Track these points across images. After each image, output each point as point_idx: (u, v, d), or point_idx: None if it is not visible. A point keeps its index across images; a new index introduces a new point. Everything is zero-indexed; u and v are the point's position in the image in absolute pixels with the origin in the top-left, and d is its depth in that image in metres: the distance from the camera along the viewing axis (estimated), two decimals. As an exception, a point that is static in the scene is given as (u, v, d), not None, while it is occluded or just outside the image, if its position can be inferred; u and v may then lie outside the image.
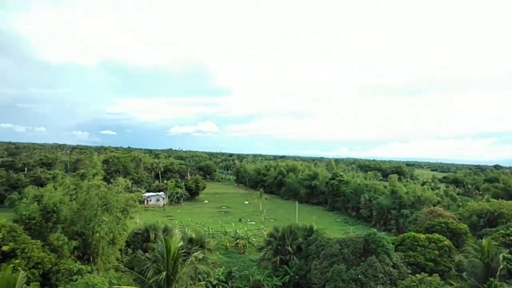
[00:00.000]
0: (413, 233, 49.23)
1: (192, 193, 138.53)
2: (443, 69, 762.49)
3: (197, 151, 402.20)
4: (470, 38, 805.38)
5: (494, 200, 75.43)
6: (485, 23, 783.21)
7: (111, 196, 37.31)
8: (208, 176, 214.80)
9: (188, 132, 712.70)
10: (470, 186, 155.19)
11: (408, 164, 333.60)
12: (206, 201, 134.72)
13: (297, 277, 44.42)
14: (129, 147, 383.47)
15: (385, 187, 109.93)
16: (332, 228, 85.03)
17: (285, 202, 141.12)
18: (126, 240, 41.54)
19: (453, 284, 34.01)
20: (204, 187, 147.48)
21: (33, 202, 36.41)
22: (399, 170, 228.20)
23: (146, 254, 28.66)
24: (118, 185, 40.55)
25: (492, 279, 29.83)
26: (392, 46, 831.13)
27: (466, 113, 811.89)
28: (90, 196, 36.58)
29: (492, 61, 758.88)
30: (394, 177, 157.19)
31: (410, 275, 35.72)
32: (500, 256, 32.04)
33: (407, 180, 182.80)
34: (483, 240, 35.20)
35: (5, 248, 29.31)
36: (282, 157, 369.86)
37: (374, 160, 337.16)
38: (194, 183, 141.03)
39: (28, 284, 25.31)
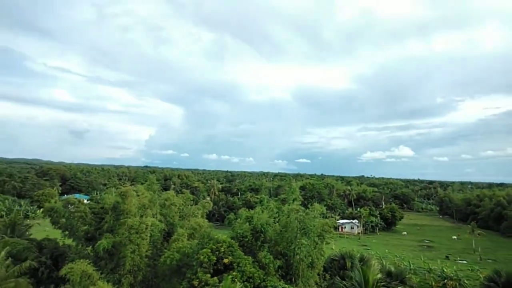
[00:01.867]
0: None
1: (388, 223, 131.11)
2: None
3: (390, 178, 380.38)
4: None
5: None
6: None
7: (308, 220, 39.16)
8: (405, 205, 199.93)
9: (380, 158, 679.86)
10: None
11: None
12: (405, 233, 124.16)
13: None
14: (322, 174, 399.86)
15: None
16: None
17: (507, 240, 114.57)
18: (323, 265, 42.39)
19: None
20: (401, 217, 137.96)
21: (245, 222, 41.66)
22: None
23: (344, 282, 28.45)
24: (314, 211, 42.31)
25: None
26: None
27: None
28: (290, 219, 39.46)
29: None
30: None
31: None
32: None
33: None
34: None
35: (225, 260, 34.73)
36: (500, 184, 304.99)
37: None
38: (389, 212, 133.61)
39: (242, 295, 28.97)
